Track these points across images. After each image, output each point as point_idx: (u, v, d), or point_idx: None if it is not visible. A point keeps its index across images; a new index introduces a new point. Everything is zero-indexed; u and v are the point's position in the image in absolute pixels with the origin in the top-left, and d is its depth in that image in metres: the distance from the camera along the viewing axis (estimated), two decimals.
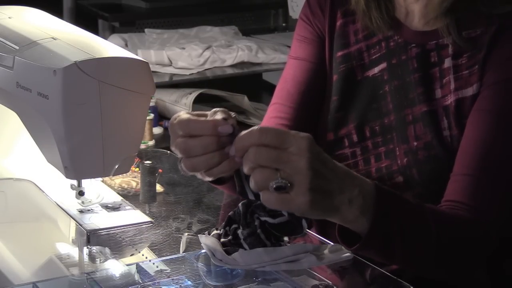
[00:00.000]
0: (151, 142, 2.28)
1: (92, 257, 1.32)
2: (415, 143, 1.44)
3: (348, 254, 1.23)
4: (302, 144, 1.09)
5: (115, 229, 1.36)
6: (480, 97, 1.39)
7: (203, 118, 1.17)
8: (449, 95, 1.41)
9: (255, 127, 1.10)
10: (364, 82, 1.51)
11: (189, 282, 1.21)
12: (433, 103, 1.43)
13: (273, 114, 1.56)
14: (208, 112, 1.19)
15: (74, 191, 1.40)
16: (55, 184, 1.46)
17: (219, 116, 1.17)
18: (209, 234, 1.25)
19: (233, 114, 1.19)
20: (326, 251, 1.24)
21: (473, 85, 1.40)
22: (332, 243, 1.29)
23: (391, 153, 1.47)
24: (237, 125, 1.16)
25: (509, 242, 1.52)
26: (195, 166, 1.16)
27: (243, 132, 1.11)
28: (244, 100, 2.56)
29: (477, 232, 1.32)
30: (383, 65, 1.49)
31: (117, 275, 1.24)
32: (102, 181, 1.53)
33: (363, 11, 1.48)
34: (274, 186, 1.07)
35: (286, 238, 1.26)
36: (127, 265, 1.25)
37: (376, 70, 1.49)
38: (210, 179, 1.22)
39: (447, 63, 1.42)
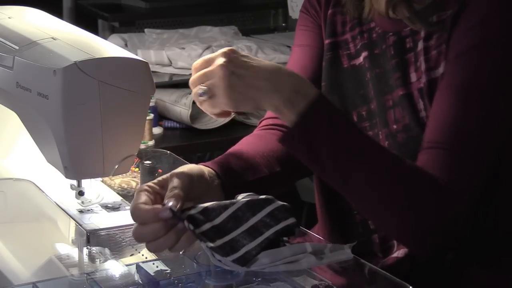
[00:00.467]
0: (151, 142, 2.28)
1: (92, 257, 1.32)
2: (395, 127, 1.46)
3: (348, 254, 1.22)
4: (218, 55, 1.34)
5: (115, 229, 1.35)
6: (445, 72, 1.41)
7: (144, 207, 1.22)
8: (421, 77, 1.43)
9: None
10: (350, 70, 1.54)
11: (189, 282, 1.20)
12: (408, 87, 1.45)
13: None
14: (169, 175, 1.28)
15: (74, 191, 1.39)
16: (55, 184, 1.46)
17: (173, 184, 1.24)
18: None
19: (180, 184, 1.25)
20: (326, 251, 1.23)
21: (442, 64, 1.42)
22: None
23: (376, 137, 1.49)
24: (182, 195, 1.23)
25: (508, 237, 1.52)
26: (156, 249, 1.23)
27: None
28: None
29: (443, 196, 1.32)
30: (365, 54, 1.52)
31: (117, 275, 1.23)
32: (102, 181, 1.52)
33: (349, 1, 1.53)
34: (199, 93, 1.35)
35: (285, 238, 1.24)
36: (127, 265, 1.25)
37: (361, 59, 1.53)
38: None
39: (420, 46, 1.44)
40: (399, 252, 1.47)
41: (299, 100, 1.31)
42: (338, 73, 1.55)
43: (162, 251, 1.24)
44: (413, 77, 1.45)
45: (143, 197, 1.23)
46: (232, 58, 1.34)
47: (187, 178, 1.27)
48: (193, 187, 1.27)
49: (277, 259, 1.18)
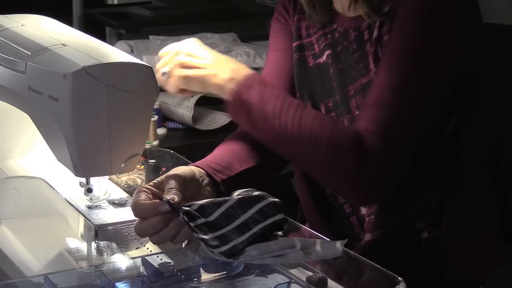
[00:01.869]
0: (155, 142, 2.28)
1: (99, 251, 1.32)
2: (357, 112, 1.49)
3: (337, 251, 1.21)
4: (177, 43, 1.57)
5: (122, 224, 1.35)
6: (388, 42, 1.44)
7: (144, 202, 1.26)
8: (379, 62, 1.45)
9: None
10: (315, 67, 1.58)
11: (191, 274, 1.20)
12: (369, 74, 1.48)
13: None
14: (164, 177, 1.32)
15: (83, 188, 1.39)
16: (65, 182, 1.45)
17: (169, 185, 1.28)
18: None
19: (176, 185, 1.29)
20: (317, 247, 1.22)
21: None
22: (326, 238, 1.28)
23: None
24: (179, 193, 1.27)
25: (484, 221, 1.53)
26: (159, 241, 1.26)
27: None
28: None
29: (372, 151, 1.36)
30: (328, 52, 1.56)
31: (123, 267, 1.23)
32: (109, 178, 1.52)
33: (308, 9, 1.57)
34: (162, 75, 1.54)
35: (280, 232, 1.25)
36: (133, 258, 1.25)
37: (324, 57, 1.56)
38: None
39: (375, 34, 1.47)
40: (373, 234, 1.49)
41: (237, 79, 1.45)
42: (305, 71, 1.59)
43: (165, 243, 1.27)
44: (372, 65, 1.47)
45: (143, 196, 1.26)
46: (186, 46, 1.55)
47: (181, 180, 1.31)
48: (186, 188, 1.30)
49: (265, 252, 1.18)
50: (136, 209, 1.25)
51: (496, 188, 1.58)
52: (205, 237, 1.19)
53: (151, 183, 1.31)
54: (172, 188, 1.27)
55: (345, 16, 1.53)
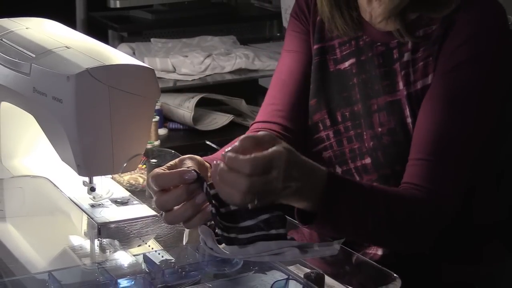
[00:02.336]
0: (157, 142, 2.28)
1: (102, 248, 1.32)
2: (380, 129, 1.46)
3: (333, 250, 1.19)
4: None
5: (124, 222, 1.35)
6: (432, 86, 1.41)
7: (168, 171, 1.20)
8: (409, 85, 1.43)
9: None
10: (336, 73, 1.53)
11: (192, 271, 1.20)
12: (396, 94, 1.45)
13: (269, 101, 1.59)
14: (178, 160, 1.25)
15: (86, 187, 1.39)
16: (69, 181, 1.46)
17: (186, 165, 1.23)
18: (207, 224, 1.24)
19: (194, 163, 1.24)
20: (315, 247, 1.21)
21: (429, 76, 1.41)
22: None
23: (359, 136, 1.49)
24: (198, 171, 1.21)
25: (487, 229, 1.52)
26: (173, 220, 1.21)
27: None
28: (241, 104, 2.55)
29: (430, 208, 1.34)
30: (352, 60, 1.51)
31: (126, 264, 1.23)
32: (112, 178, 1.52)
33: (329, 19, 1.51)
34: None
35: (282, 230, 1.24)
36: (135, 255, 1.25)
37: (346, 64, 1.51)
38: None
39: (407, 57, 1.44)
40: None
41: (312, 193, 1.23)
42: (324, 76, 1.54)
43: (176, 223, 1.22)
44: (401, 85, 1.44)
45: (160, 170, 1.21)
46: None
47: (197, 162, 1.27)
48: (200, 171, 1.25)
49: (263, 251, 1.17)
50: (159, 178, 1.19)
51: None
52: (217, 218, 1.17)
53: (165, 165, 1.25)
54: (190, 166, 1.23)
55: (373, 26, 1.48)
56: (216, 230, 1.17)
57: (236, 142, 1.16)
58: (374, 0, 1.45)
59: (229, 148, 1.15)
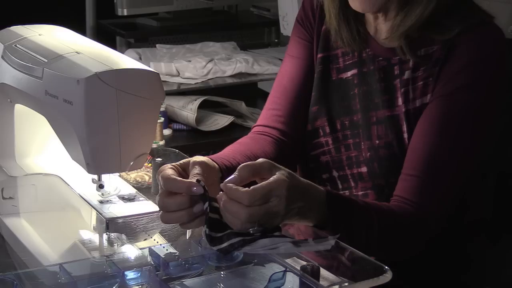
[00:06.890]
0: (162, 142, 2.28)
1: (110, 242, 1.31)
2: (377, 142, 1.44)
3: (327, 245, 1.19)
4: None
5: (131, 217, 1.34)
6: (429, 106, 1.39)
7: (179, 178, 1.21)
8: (408, 102, 1.41)
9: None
10: (338, 82, 1.51)
11: (195, 264, 1.20)
12: (395, 109, 1.43)
13: (270, 106, 1.58)
14: (190, 161, 1.27)
15: (95, 185, 1.39)
16: (79, 179, 1.45)
17: (195, 171, 1.23)
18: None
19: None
20: (310, 241, 1.20)
21: (428, 95, 1.39)
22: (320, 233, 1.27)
23: (357, 145, 1.48)
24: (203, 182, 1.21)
25: (472, 226, 1.51)
26: (168, 221, 1.23)
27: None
28: (241, 106, 2.55)
29: (417, 222, 1.34)
30: (354, 71, 1.49)
31: (132, 257, 1.23)
32: (119, 175, 1.52)
33: (335, 31, 1.48)
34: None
35: (277, 233, 1.23)
36: (141, 248, 1.25)
37: (349, 74, 1.50)
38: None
39: (407, 75, 1.42)
40: None
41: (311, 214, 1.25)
42: (327, 85, 1.52)
43: (170, 224, 1.26)
44: (400, 101, 1.42)
45: (171, 171, 1.22)
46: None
47: (206, 167, 1.27)
48: (208, 176, 1.26)
49: (257, 247, 1.16)
50: (169, 182, 1.20)
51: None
52: (209, 233, 1.17)
53: (177, 163, 1.26)
54: (198, 173, 1.23)
55: (377, 41, 1.46)
56: (213, 247, 1.18)
57: (236, 172, 1.17)
58: (380, 15, 1.43)
59: (229, 179, 1.16)
